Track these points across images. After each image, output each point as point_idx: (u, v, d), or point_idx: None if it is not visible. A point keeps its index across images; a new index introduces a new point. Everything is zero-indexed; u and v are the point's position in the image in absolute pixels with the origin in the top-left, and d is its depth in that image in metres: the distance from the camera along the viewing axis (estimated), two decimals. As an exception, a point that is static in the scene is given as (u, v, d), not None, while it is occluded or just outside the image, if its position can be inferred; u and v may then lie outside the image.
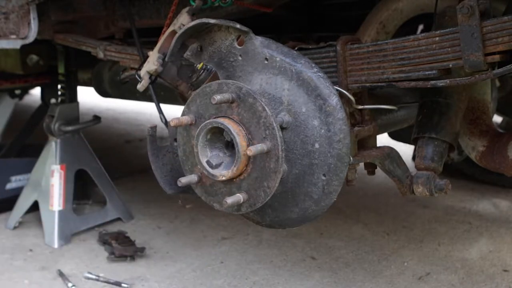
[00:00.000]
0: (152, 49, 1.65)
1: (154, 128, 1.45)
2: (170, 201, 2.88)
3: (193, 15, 1.60)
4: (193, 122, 1.26)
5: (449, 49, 1.20)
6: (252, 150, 1.12)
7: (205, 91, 1.25)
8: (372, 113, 1.46)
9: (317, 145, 1.20)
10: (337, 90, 1.24)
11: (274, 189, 1.18)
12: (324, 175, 1.20)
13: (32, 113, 3.04)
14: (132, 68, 1.92)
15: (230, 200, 1.18)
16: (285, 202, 1.27)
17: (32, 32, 1.87)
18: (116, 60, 1.99)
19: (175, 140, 1.36)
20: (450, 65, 1.21)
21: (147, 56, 1.66)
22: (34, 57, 2.70)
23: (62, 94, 2.73)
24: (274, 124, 1.14)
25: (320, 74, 1.21)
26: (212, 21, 1.26)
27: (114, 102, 5.18)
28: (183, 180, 1.24)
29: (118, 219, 2.67)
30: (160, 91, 1.97)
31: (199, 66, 1.52)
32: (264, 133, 1.16)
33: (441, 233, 2.55)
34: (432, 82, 1.23)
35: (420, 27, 2.20)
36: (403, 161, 1.48)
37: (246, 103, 1.18)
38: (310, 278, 2.14)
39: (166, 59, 1.46)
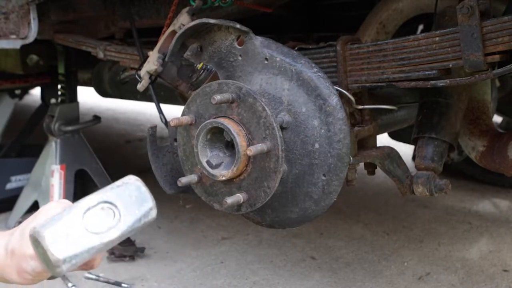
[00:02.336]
0: (152, 49, 1.65)
1: (154, 128, 1.45)
2: (170, 201, 2.88)
3: (193, 15, 1.60)
4: (193, 122, 1.26)
5: (449, 49, 1.20)
6: (252, 150, 1.12)
7: (205, 91, 1.25)
8: (372, 113, 1.46)
9: (317, 145, 1.20)
10: (337, 90, 1.24)
11: (274, 189, 1.18)
12: (324, 175, 1.20)
13: (32, 113, 3.04)
14: (132, 68, 1.92)
15: (230, 200, 1.17)
16: (285, 202, 1.27)
17: (32, 32, 1.87)
18: (116, 60, 1.98)
19: (175, 140, 1.36)
20: (450, 65, 1.21)
21: (147, 56, 1.66)
22: (34, 57, 2.70)
23: (62, 94, 2.73)
24: (274, 124, 1.14)
25: (320, 74, 1.21)
26: (212, 21, 1.26)
27: (114, 102, 5.18)
28: (183, 180, 1.24)
29: (118, 219, 2.67)
30: (160, 91, 1.97)
31: (199, 66, 1.52)
32: (264, 133, 1.15)
33: (441, 233, 2.55)
34: (432, 82, 1.23)
35: (420, 27, 2.20)
36: (403, 161, 1.48)
37: (246, 103, 1.17)
38: (310, 278, 2.14)
39: (166, 59, 1.45)
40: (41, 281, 0.91)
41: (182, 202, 2.88)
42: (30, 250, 0.86)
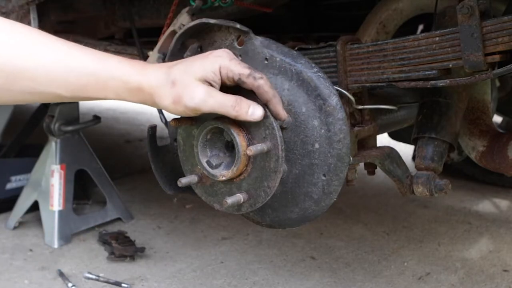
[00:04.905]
0: (152, 49, 1.65)
1: (154, 128, 1.45)
2: (170, 201, 2.88)
3: (193, 15, 1.60)
4: (193, 122, 1.26)
5: (449, 49, 1.20)
6: (252, 150, 1.12)
7: (205, 91, 1.25)
8: (372, 113, 1.46)
9: (317, 145, 1.20)
10: (337, 90, 1.23)
11: (274, 189, 1.18)
12: (324, 175, 1.20)
13: (32, 113, 3.04)
14: (132, 68, 1.91)
15: (230, 200, 1.17)
16: (285, 202, 1.27)
17: (32, 32, 1.87)
18: (116, 60, 1.98)
19: (175, 140, 1.36)
20: (450, 65, 1.21)
21: (147, 56, 1.66)
22: (34, 57, 2.70)
23: (62, 94, 2.73)
24: (274, 124, 1.14)
25: (320, 74, 1.21)
26: (212, 21, 1.26)
27: (114, 102, 5.18)
28: (183, 180, 1.24)
29: (118, 219, 2.67)
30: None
31: (199, 66, 1.52)
32: (264, 133, 1.15)
33: (441, 233, 2.55)
34: (432, 82, 1.23)
35: (420, 27, 2.20)
36: (403, 161, 1.48)
37: (246, 103, 1.17)
38: (310, 278, 2.14)
39: (166, 59, 1.45)
40: (187, 115, 1.06)
41: (176, 201, 2.88)
42: (194, 86, 0.99)
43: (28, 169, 2.71)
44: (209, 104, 1.02)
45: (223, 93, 1.05)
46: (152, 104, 1.04)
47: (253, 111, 1.05)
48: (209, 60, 1.06)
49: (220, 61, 1.06)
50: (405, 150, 2.75)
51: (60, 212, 2.47)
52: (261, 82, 1.08)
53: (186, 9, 1.60)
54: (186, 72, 1.02)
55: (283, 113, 1.12)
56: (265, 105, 1.11)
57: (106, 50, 2.00)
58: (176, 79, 1.01)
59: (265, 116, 1.15)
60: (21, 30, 1.06)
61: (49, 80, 1.03)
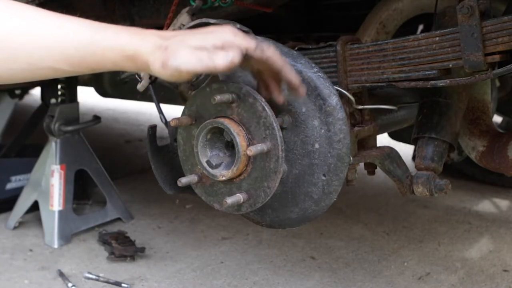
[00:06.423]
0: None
1: (154, 128, 1.45)
2: (170, 201, 2.88)
3: (193, 15, 1.60)
4: (193, 122, 1.26)
5: (449, 49, 1.20)
6: (252, 150, 1.12)
7: (205, 91, 1.25)
8: (372, 113, 1.46)
9: (317, 145, 1.20)
10: (337, 90, 1.24)
11: (274, 189, 1.18)
12: (324, 175, 1.20)
13: (32, 113, 3.04)
14: (132, 68, 1.91)
15: (230, 200, 1.17)
16: (285, 202, 1.27)
17: (32, 32, 1.87)
18: (116, 60, 1.98)
19: (175, 140, 1.36)
20: (450, 65, 1.21)
21: (147, 56, 1.66)
22: (34, 57, 2.70)
23: (62, 94, 2.73)
24: (274, 124, 1.14)
25: (320, 74, 1.21)
26: (212, 21, 1.26)
27: (114, 102, 5.18)
28: (183, 180, 1.24)
29: (118, 219, 2.68)
30: (160, 91, 1.97)
31: (199, 66, 1.52)
32: (264, 133, 1.15)
33: (441, 233, 2.55)
34: (432, 82, 1.23)
35: (420, 27, 2.20)
36: (403, 161, 1.48)
37: (246, 103, 1.17)
38: (310, 278, 2.14)
39: (166, 59, 1.45)
40: (177, 79, 1.04)
41: (178, 202, 2.88)
42: (182, 50, 1.00)
43: (28, 169, 2.71)
44: (191, 62, 1.01)
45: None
46: (147, 71, 1.05)
47: (226, 55, 1.01)
48: (212, 35, 1.05)
49: (223, 37, 1.04)
50: (405, 150, 2.75)
51: (60, 212, 2.47)
52: (269, 53, 1.07)
53: (186, 9, 1.60)
54: (182, 41, 1.03)
55: (296, 79, 1.10)
56: (277, 74, 1.10)
57: (106, 50, 1.99)
58: (169, 45, 1.02)
59: (265, 116, 1.15)
60: (15, 6, 1.05)
61: (47, 54, 1.03)
